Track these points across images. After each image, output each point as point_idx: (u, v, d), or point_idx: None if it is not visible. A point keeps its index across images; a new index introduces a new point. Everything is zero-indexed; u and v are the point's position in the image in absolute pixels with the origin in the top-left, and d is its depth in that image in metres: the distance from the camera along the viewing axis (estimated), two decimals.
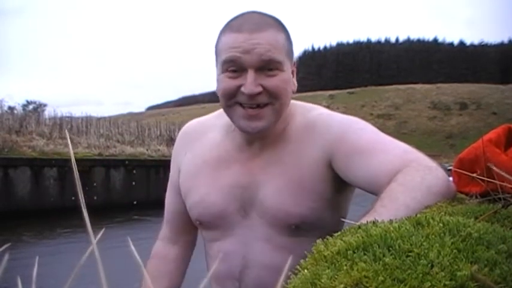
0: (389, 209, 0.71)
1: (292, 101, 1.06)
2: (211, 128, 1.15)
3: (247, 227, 1.05)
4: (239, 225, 1.06)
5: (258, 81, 0.94)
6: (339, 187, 1.01)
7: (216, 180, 1.07)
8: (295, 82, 1.04)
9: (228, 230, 1.07)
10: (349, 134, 0.97)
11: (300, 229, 0.99)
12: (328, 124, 1.02)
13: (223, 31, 0.99)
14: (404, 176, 0.81)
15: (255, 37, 0.94)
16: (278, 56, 0.95)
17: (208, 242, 1.14)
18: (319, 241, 0.53)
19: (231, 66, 0.96)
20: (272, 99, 0.96)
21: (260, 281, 1.03)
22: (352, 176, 0.95)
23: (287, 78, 0.99)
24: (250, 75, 0.94)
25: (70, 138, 12.36)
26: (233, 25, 0.97)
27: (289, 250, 0.99)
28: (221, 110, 1.17)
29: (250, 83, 0.94)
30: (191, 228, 1.22)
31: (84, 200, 0.29)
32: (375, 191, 0.85)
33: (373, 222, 0.57)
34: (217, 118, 1.16)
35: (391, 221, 0.55)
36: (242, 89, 0.95)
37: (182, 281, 1.25)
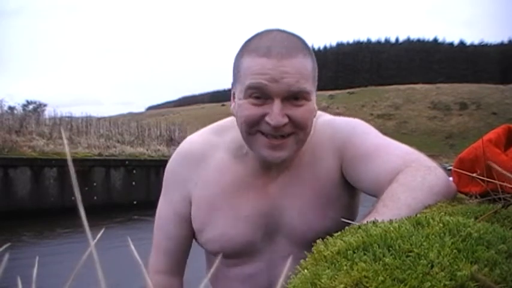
0: (391, 209, 0.71)
1: None
2: (215, 148, 1.06)
3: (272, 251, 1.03)
4: (264, 251, 1.04)
5: (284, 112, 0.90)
6: (352, 192, 1.02)
7: (236, 211, 1.02)
8: (316, 108, 1.00)
9: (253, 256, 1.04)
10: (353, 138, 0.98)
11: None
12: (334, 131, 1.01)
13: (248, 52, 0.92)
14: (405, 176, 0.81)
15: (284, 64, 0.89)
16: (306, 87, 0.91)
17: (226, 266, 1.07)
18: (319, 241, 0.53)
19: (256, 93, 0.90)
20: (297, 129, 0.93)
21: None
22: (357, 179, 0.96)
23: (313, 108, 0.96)
24: (277, 105, 0.89)
25: (70, 138, 12.35)
26: (260, 48, 0.91)
27: None
28: (218, 125, 1.11)
29: (277, 114, 0.89)
30: (187, 256, 1.15)
31: (82, 201, 0.29)
32: (376, 192, 0.85)
33: (373, 222, 0.57)
34: (218, 136, 1.08)
35: (391, 221, 0.55)
36: (267, 119, 0.90)
37: None
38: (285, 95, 0.90)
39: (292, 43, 0.93)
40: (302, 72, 0.91)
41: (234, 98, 0.98)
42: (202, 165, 1.06)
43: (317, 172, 1.01)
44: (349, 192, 1.01)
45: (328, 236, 0.55)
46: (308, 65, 0.93)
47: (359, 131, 1.00)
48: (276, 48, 0.90)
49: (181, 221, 1.08)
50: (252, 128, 0.93)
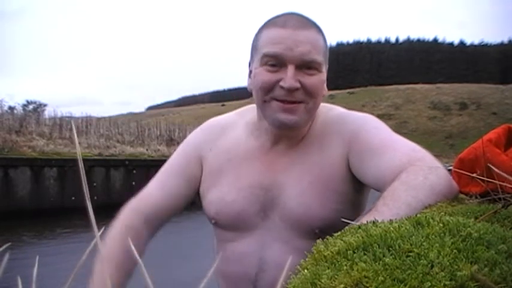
0: (391, 208, 0.71)
1: None
2: (234, 125, 1.14)
3: (266, 228, 1.04)
4: (257, 227, 1.05)
5: (297, 77, 0.95)
6: (358, 187, 1.02)
7: (238, 179, 1.06)
8: (326, 88, 1.04)
9: (246, 231, 1.06)
10: (362, 132, 0.99)
11: (323, 233, 0.95)
12: (346, 122, 1.03)
13: (265, 27, 1.00)
14: (407, 174, 0.81)
15: (299, 34, 0.95)
16: (318, 58, 0.97)
17: (222, 242, 1.11)
18: (319, 241, 0.53)
19: (271, 61, 0.96)
20: (307, 97, 0.97)
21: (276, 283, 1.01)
22: (363, 174, 0.96)
23: (323, 80, 1.00)
24: (291, 70, 0.94)
25: (70, 138, 12.36)
26: (276, 21, 0.98)
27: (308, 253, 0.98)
28: (241, 109, 1.19)
29: (290, 77, 0.94)
30: (166, 220, 1.15)
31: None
32: (380, 188, 0.86)
33: (373, 222, 0.57)
34: (239, 116, 1.16)
35: (391, 221, 0.55)
36: (281, 83, 0.95)
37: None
38: (298, 63, 0.95)
39: (306, 20, 1.00)
40: (315, 44, 0.97)
41: (250, 75, 1.04)
42: (222, 137, 1.13)
43: (323, 160, 1.02)
44: (355, 186, 1.01)
45: (327, 237, 0.55)
46: (320, 40, 0.99)
47: (369, 126, 1.00)
48: (291, 21, 0.97)
49: (181, 177, 1.13)
50: (267, 95, 0.98)
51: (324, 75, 1.00)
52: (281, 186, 1.03)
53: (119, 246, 1.03)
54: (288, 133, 1.03)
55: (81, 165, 0.30)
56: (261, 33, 1.00)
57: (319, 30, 1.00)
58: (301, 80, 0.96)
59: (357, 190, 1.02)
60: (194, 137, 1.19)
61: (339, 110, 1.10)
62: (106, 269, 0.99)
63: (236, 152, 1.09)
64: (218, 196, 1.08)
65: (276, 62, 0.96)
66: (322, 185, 1.00)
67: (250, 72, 1.03)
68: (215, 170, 1.11)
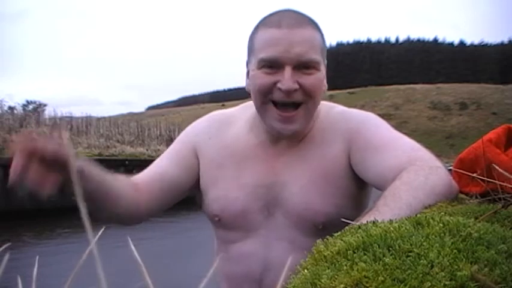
0: (393, 208, 0.71)
1: None
2: (236, 120, 1.13)
3: (269, 227, 1.04)
4: (261, 226, 1.04)
5: (294, 78, 0.94)
6: (360, 184, 1.02)
7: (240, 177, 1.05)
8: (326, 84, 1.03)
9: (249, 230, 1.05)
10: (364, 130, 0.99)
11: (326, 229, 0.96)
12: (346, 120, 1.03)
13: (260, 26, 0.98)
14: (408, 174, 0.81)
15: (295, 33, 0.93)
16: (316, 56, 0.95)
17: (225, 242, 1.10)
18: (319, 241, 0.53)
19: (268, 63, 0.95)
20: (307, 97, 0.96)
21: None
22: (364, 172, 0.96)
23: (322, 78, 0.99)
24: (288, 71, 0.93)
25: (70, 138, 12.34)
26: (271, 20, 0.97)
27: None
28: (245, 104, 1.17)
29: (287, 79, 0.93)
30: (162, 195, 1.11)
31: (82, 201, 0.29)
32: (381, 187, 0.86)
33: (373, 222, 0.56)
34: (242, 111, 1.15)
35: (391, 221, 0.55)
36: (279, 85, 0.94)
37: (120, 209, 1.05)
38: (295, 64, 0.94)
39: (302, 17, 0.98)
40: (312, 42, 0.95)
41: (248, 76, 1.03)
42: (223, 129, 1.12)
43: (324, 157, 1.02)
44: (357, 183, 1.01)
45: (328, 237, 0.55)
46: (317, 38, 0.98)
47: (370, 124, 1.01)
48: (286, 20, 0.95)
49: (177, 163, 1.11)
50: (265, 97, 0.96)
51: (322, 73, 0.99)
52: (283, 184, 1.02)
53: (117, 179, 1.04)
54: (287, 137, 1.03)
55: (74, 169, 0.30)
56: (256, 33, 0.98)
57: (315, 26, 0.99)
58: (300, 80, 0.94)
59: (358, 186, 1.02)
60: (193, 126, 1.18)
61: (340, 107, 1.10)
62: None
63: (236, 148, 1.08)
64: (221, 193, 1.06)
65: (273, 63, 0.95)
66: (323, 181, 1.00)
67: (248, 72, 1.02)
68: (215, 164, 1.09)
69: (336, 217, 0.96)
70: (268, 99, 0.97)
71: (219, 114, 1.19)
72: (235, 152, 1.08)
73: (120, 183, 1.05)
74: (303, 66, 0.95)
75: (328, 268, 0.45)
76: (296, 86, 0.94)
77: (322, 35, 1.00)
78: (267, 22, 0.97)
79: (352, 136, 0.99)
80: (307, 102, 0.96)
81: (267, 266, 1.03)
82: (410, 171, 0.81)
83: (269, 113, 0.97)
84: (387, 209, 0.71)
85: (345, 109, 1.10)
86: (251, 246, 1.05)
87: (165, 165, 1.12)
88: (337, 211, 0.98)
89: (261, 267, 1.04)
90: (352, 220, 0.97)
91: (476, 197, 0.80)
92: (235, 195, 1.05)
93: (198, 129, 1.15)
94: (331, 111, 1.08)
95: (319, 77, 0.97)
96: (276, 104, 0.96)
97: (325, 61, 1.03)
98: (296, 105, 0.96)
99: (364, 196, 1.06)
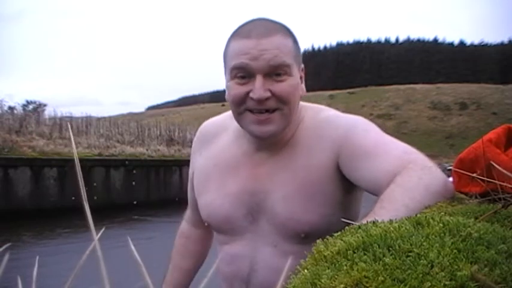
0: (389, 210, 0.71)
1: (302, 103, 1.07)
2: (224, 130, 1.16)
3: (255, 231, 1.06)
4: (247, 230, 1.07)
5: (266, 87, 0.95)
6: (348, 187, 1.00)
7: (223, 186, 1.08)
8: (304, 87, 1.04)
9: (236, 234, 1.08)
10: (354, 135, 0.97)
11: (308, 237, 0.97)
12: (335, 125, 1.02)
13: (232, 38, 0.99)
14: (402, 177, 0.81)
15: (263, 43, 0.94)
16: (286, 60, 0.96)
17: (219, 244, 1.15)
18: (319, 241, 0.53)
19: (240, 73, 0.96)
20: (280, 104, 0.96)
21: (268, 283, 1.03)
22: (356, 178, 0.95)
23: (295, 83, 0.99)
24: (259, 80, 0.94)
25: (70, 138, 12.34)
26: (241, 32, 0.98)
27: (296, 256, 0.97)
28: None
29: (258, 88, 0.94)
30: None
31: (86, 197, 0.29)
32: (376, 192, 0.85)
33: (373, 222, 0.56)
34: (230, 119, 1.15)
35: (391, 221, 0.55)
36: (251, 94, 0.95)
37: (204, 259, 1.35)
38: (265, 71, 0.95)
39: (272, 25, 0.99)
40: (280, 47, 0.96)
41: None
42: (213, 141, 1.16)
43: (309, 164, 1.01)
44: (345, 188, 1.00)
45: (328, 236, 0.55)
46: (288, 43, 0.98)
47: (359, 129, 0.99)
48: (255, 30, 0.96)
49: (191, 187, 1.23)
50: (239, 107, 0.98)
51: (295, 78, 0.98)
52: (266, 192, 1.03)
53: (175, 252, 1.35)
54: (267, 141, 1.04)
55: (78, 168, 0.30)
56: (228, 45, 1.00)
57: (286, 32, 0.99)
58: (271, 88, 0.95)
59: (346, 191, 1.01)
60: (193, 145, 1.25)
61: (327, 112, 1.08)
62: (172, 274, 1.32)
63: (222, 158, 1.12)
64: (207, 202, 1.12)
65: (244, 73, 0.96)
66: (308, 189, 1.00)
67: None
68: (204, 175, 1.14)
69: (321, 226, 0.98)
70: (243, 109, 0.98)
71: (209, 125, 1.23)
72: (220, 161, 1.12)
73: (191, 260, 1.34)
74: (274, 72, 0.95)
75: (328, 268, 0.45)
76: (268, 94, 0.95)
77: (295, 40, 1.00)
78: (238, 33, 0.98)
79: (341, 143, 0.98)
80: (282, 108, 0.97)
81: (254, 267, 1.06)
82: (404, 174, 0.81)
83: (246, 119, 0.99)
84: (384, 212, 0.71)
85: (331, 114, 1.08)
86: (239, 248, 1.08)
87: (191, 197, 1.26)
88: (320, 219, 0.98)
89: (249, 267, 1.06)
90: (339, 225, 0.97)
91: (476, 197, 0.80)
92: (220, 202, 1.08)
93: (193, 148, 1.24)
94: (317, 116, 1.06)
95: (291, 83, 0.97)
96: (251, 111, 0.98)
97: (302, 65, 1.03)
98: (272, 111, 0.97)
99: (352, 202, 1.05)
